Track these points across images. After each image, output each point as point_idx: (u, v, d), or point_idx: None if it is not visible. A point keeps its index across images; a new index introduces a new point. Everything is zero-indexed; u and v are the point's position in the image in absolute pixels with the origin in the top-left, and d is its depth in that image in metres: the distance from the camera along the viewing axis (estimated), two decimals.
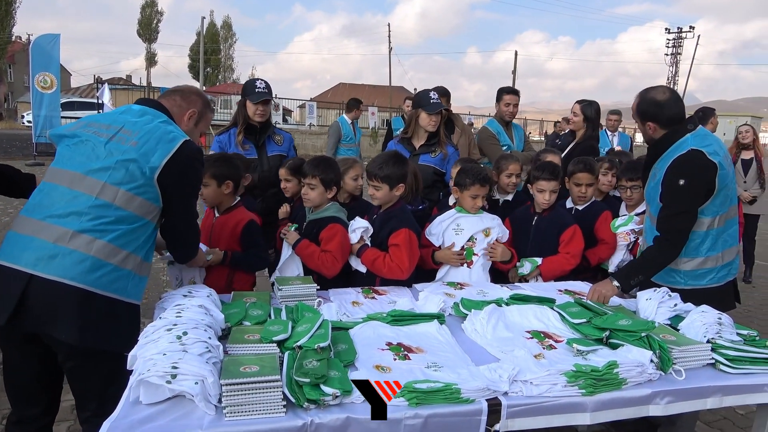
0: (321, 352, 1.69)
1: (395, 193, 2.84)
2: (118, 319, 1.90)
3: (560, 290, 2.75)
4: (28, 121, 19.44)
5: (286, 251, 2.92)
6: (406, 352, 1.89)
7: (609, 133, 6.93)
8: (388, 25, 47.36)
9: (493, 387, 1.64)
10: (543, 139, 24.66)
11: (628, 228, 3.16)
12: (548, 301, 2.40)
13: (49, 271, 1.78)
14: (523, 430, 1.65)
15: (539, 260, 3.01)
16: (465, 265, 2.96)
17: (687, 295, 2.42)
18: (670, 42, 49.87)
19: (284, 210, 3.40)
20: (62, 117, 13.95)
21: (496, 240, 2.99)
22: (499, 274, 3.09)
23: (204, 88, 35.23)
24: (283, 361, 1.67)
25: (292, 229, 2.91)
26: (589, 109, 4.47)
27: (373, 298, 2.55)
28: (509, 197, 3.53)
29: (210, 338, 1.69)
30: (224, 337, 1.90)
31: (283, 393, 1.50)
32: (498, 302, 2.36)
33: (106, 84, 17.00)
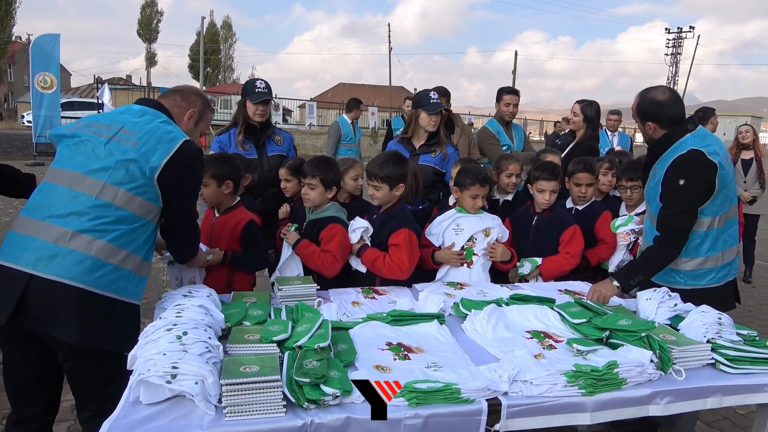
0: (321, 352, 1.69)
1: (395, 193, 2.84)
2: (118, 319, 1.90)
3: (560, 290, 2.75)
4: (28, 121, 19.44)
5: (286, 251, 2.92)
6: (406, 352, 1.89)
7: (609, 133, 6.93)
8: (388, 25, 47.40)
9: (493, 387, 1.64)
10: (543, 139, 24.67)
11: (628, 228, 3.16)
12: (548, 301, 2.40)
13: (49, 271, 1.78)
14: (523, 430, 1.65)
15: (539, 260, 3.01)
16: (465, 265, 2.96)
17: (687, 295, 2.42)
18: (670, 42, 49.88)
19: (284, 210, 3.40)
20: (62, 117, 13.95)
21: (497, 240, 2.99)
22: (499, 274, 3.09)
23: (204, 88, 35.23)
24: (283, 361, 1.67)
25: (292, 229, 2.91)
26: (589, 109, 4.48)
27: (373, 298, 2.55)
28: (509, 197, 3.53)
29: (210, 338, 1.69)
30: (224, 337, 1.90)
31: (283, 393, 1.50)
32: (498, 302, 2.36)
33: (106, 84, 17.00)
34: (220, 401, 1.48)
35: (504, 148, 4.57)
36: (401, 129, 4.35)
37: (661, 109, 2.56)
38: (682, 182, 2.44)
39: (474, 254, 2.97)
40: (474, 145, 4.62)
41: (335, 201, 2.97)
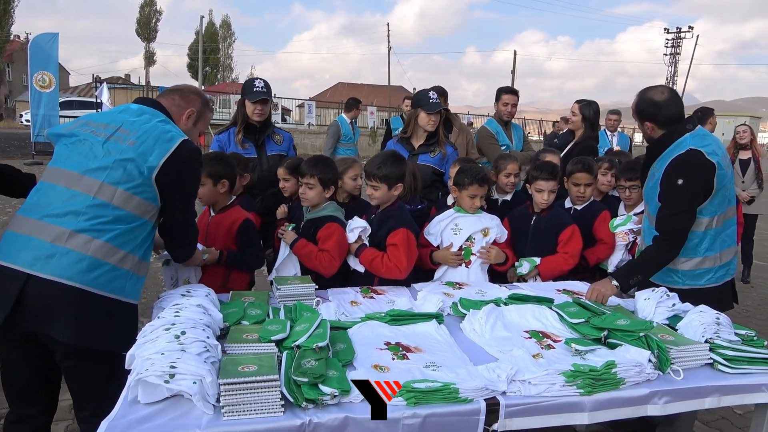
0: (319, 352, 1.69)
1: (394, 193, 2.84)
2: (116, 318, 1.90)
3: (559, 290, 2.75)
4: (27, 120, 19.39)
5: (284, 251, 2.92)
6: (404, 352, 1.89)
7: (608, 133, 6.94)
8: (387, 24, 47.40)
9: (492, 387, 1.64)
10: (542, 138, 24.70)
11: (626, 228, 3.16)
12: (547, 301, 2.40)
13: (46, 271, 1.78)
14: (521, 430, 1.65)
15: (538, 260, 3.01)
16: (463, 265, 2.96)
17: (685, 295, 2.42)
18: (669, 42, 49.95)
19: (282, 211, 3.40)
20: (61, 116, 13.92)
21: (495, 240, 2.99)
22: (497, 273, 3.09)
23: (203, 87, 35.22)
24: (281, 360, 1.67)
25: (290, 228, 2.91)
26: (588, 109, 4.48)
27: (372, 297, 2.55)
28: (508, 197, 3.54)
29: (208, 338, 1.69)
30: (223, 336, 1.90)
31: (282, 392, 1.50)
32: (496, 302, 2.36)
33: (105, 83, 16.97)
34: (218, 401, 1.48)
35: (503, 147, 4.57)
36: (400, 129, 4.35)
37: (659, 109, 2.56)
38: (680, 182, 2.44)
39: (472, 254, 2.97)
40: (472, 145, 4.62)
41: (333, 200, 2.97)
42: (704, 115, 5.66)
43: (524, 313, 2.28)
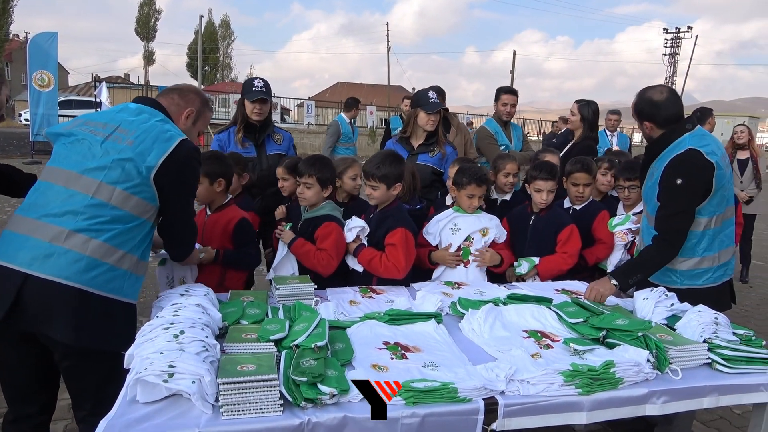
0: (318, 351, 1.69)
1: (392, 193, 2.84)
2: (114, 318, 1.90)
3: (557, 290, 2.75)
4: (26, 120, 19.37)
5: (282, 250, 2.92)
6: (403, 351, 1.89)
7: (608, 132, 6.94)
8: (387, 24, 47.32)
9: (490, 386, 1.64)
10: (541, 138, 24.71)
11: (625, 227, 3.17)
12: (545, 301, 2.40)
13: (44, 271, 1.77)
14: (520, 430, 1.65)
15: (536, 260, 3.02)
16: (462, 264, 2.96)
17: (683, 295, 2.42)
18: (668, 42, 49.94)
19: (280, 211, 3.39)
20: (60, 115, 13.90)
21: (494, 240, 2.99)
22: (496, 273, 3.09)
23: (202, 86, 35.19)
24: (280, 360, 1.67)
25: (287, 228, 2.91)
26: (587, 109, 4.48)
27: (371, 297, 2.55)
28: (507, 197, 3.54)
29: (207, 337, 1.69)
30: (221, 335, 1.90)
31: (280, 392, 1.50)
32: (495, 302, 2.36)
33: (104, 82, 16.95)
34: (217, 400, 1.48)
35: (502, 147, 4.57)
36: (399, 128, 4.35)
37: (658, 110, 2.56)
38: (679, 182, 2.44)
39: (471, 254, 2.97)
40: (470, 145, 4.61)
41: (331, 200, 2.97)
42: (703, 115, 5.67)
43: (523, 312, 2.28)
